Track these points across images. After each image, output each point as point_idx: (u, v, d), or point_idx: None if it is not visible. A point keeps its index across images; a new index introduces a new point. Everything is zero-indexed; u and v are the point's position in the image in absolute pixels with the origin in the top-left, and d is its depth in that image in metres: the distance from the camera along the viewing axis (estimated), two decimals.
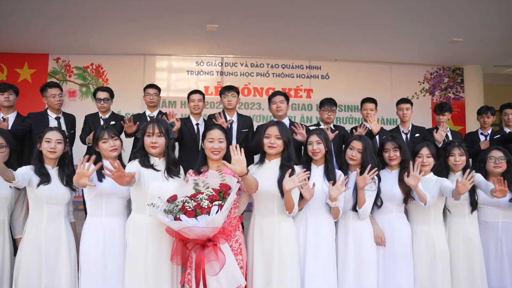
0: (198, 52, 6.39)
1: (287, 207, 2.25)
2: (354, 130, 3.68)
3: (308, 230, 2.39)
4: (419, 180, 2.33)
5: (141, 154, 2.28)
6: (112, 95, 3.93)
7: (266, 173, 2.34)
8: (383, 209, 2.54)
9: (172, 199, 2.07)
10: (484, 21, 4.99)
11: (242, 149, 2.06)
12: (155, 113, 3.92)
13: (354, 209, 2.46)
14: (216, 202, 2.01)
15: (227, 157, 2.20)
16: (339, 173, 2.46)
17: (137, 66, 6.30)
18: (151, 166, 2.23)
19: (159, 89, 4.04)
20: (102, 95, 3.84)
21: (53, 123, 3.60)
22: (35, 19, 4.90)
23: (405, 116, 3.91)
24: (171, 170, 2.27)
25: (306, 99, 6.65)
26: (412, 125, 3.95)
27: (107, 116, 3.87)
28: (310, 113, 6.57)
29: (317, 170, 2.48)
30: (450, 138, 3.83)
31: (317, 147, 2.45)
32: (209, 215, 1.95)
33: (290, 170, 2.23)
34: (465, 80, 6.99)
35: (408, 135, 3.88)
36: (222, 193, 2.08)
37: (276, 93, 3.55)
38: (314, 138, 2.49)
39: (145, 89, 4.00)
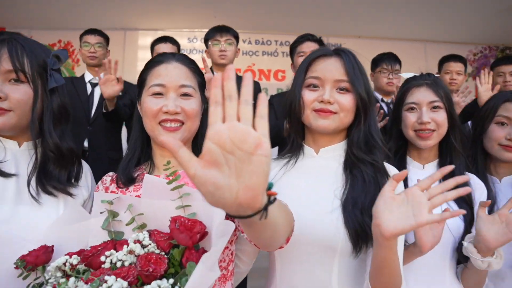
0: (190, 26, 5.47)
1: (376, 282, 0.85)
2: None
3: None
4: None
5: None
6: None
7: (308, 183, 0.97)
8: None
9: (34, 262, 0.78)
10: None
11: (264, 101, 0.54)
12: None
13: None
14: (158, 284, 0.67)
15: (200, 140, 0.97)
16: (476, 181, 1.16)
17: (115, 43, 5.21)
18: None
19: (106, 38, 2.87)
20: None
21: None
22: None
23: (508, 85, 2.74)
24: (52, 177, 0.98)
25: None
26: None
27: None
28: None
29: (423, 174, 1.15)
30: None
31: (428, 117, 1.11)
32: None
33: (397, 176, 0.83)
34: None
35: None
36: (177, 249, 0.73)
37: (304, 38, 2.25)
38: (421, 94, 1.14)
39: (81, 36, 2.80)
